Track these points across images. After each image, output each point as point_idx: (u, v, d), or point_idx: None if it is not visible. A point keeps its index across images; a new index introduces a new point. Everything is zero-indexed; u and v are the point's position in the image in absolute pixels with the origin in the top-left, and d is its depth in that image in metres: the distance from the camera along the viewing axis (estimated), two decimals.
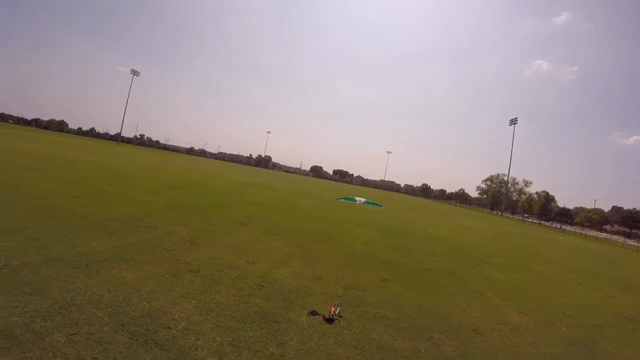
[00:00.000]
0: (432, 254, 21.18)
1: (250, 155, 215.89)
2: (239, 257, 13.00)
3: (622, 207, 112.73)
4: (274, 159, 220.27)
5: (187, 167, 69.53)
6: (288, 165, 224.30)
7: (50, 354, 5.80)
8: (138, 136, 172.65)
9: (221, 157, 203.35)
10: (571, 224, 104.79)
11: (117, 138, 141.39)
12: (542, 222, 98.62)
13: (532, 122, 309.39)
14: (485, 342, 9.42)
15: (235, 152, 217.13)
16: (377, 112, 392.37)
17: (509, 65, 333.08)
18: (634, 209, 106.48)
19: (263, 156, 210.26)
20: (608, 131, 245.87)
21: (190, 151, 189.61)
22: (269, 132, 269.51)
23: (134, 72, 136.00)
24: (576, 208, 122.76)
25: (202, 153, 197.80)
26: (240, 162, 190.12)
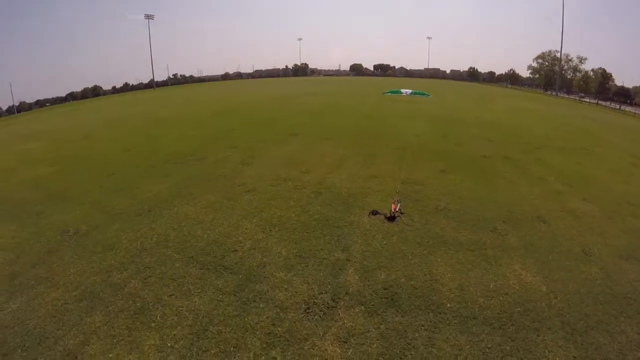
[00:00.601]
0: (487, 139, 20.27)
1: (286, 66, 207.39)
2: (293, 168, 12.91)
3: None
4: (311, 65, 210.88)
5: (226, 92, 64.68)
6: (327, 69, 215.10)
7: (131, 302, 6.12)
8: (171, 76, 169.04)
9: (258, 75, 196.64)
10: (631, 104, 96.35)
11: (152, 84, 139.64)
12: (599, 102, 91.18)
13: None
14: (550, 232, 9.11)
15: (270, 67, 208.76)
16: None
17: None
18: None
19: (299, 65, 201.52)
20: None
21: (225, 77, 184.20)
22: (300, 39, 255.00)
23: (149, 16, 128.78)
24: (635, 87, 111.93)
25: (238, 75, 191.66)
26: (278, 76, 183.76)
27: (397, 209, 8.90)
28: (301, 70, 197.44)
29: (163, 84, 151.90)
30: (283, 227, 8.43)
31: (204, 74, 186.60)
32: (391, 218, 8.62)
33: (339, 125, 22.44)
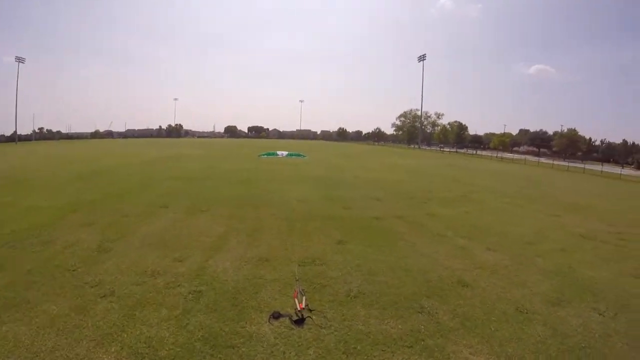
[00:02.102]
0: (373, 199, 20.45)
1: (160, 127, 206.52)
2: (163, 254, 10.41)
3: (529, 130, 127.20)
4: (186, 126, 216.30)
5: (94, 152, 59.87)
6: (202, 130, 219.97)
7: None
8: (37, 130, 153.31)
9: (130, 134, 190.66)
10: (484, 148, 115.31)
11: (14, 138, 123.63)
12: (457, 150, 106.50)
13: (441, 58, 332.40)
14: (477, 296, 8.64)
15: (144, 127, 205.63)
16: (286, 60, 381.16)
17: (417, 4, 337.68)
18: (540, 130, 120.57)
19: (174, 125, 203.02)
20: (512, 62, 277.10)
21: (95, 135, 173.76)
22: (176, 99, 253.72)
23: (19, 59, 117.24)
24: (486, 134, 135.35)
25: (109, 134, 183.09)
26: (151, 136, 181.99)
27: (303, 306, 7.15)
28: (175, 131, 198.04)
29: (26, 138, 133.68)
30: (155, 356, 5.93)
31: (73, 130, 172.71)
32: (299, 321, 6.84)
33: (215, 193, 20.61)
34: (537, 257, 12.06)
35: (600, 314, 8.14)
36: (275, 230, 13.01)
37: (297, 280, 8.25)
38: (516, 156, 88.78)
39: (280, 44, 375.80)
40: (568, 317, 7.83)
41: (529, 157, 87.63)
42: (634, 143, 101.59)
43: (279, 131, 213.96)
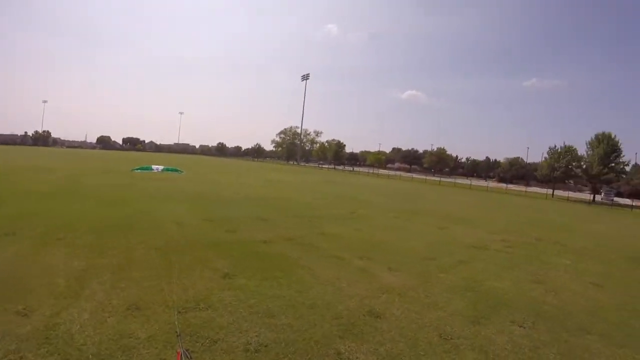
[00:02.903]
0: (259, 219, 18.76)
1: (26, 133, 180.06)
2: (2, 304, 7.36)
3: (401, 148, 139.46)
4: (55, 134, 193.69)
5: None
6: (72, 140, 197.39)
7: None
8: None
9: None
10: (360, 165, 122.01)
11: None
12: (336, 166, 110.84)
13: (323, 79, 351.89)
14: (395, 327, 7.59)
15: (7, 132, 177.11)
16: (165, 70, 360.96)
17: (304, 27, 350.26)
18: (412, 148, 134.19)
19: (41, 132, 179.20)
20: (387, 88, 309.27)
21: None
22: (45, 102, 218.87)
23: None
24: (362, 152, 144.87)
25: None
26: (15, 143, 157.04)
27: None
28: (42, 139, 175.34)
29: None
30: None
31: None
32: None
33: (77, 214, 16.50)
34: (440, 273, 11.88)
35: (520, 326, 8.09)
36: (147, 265, 10.38)
37: (179, 335, 6.22)
38: (391, 172, 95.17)
39: (163, 52, 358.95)
40: (492, 335, 7.57)
41: (402, 173, 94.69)
42: (495, 160, 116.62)
43: (155, 144, 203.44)
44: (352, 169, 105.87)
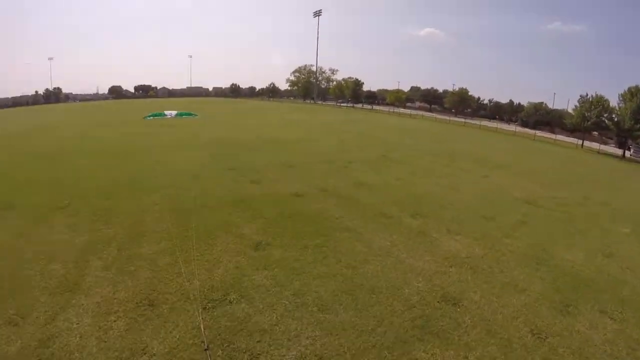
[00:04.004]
0: (285, 165, 17.11)
1: (37, 92, 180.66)
2: None
3: (420, 87, 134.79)
4: (66, 90, 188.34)
5: None
6: (84, 93, 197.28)
7: None
8: None
9: (4, 104, 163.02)
10: (379, 104, 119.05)
11: None
12: (354, 105, 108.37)
13: (336, 15, 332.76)
14: (478, 322, 6.04)
15: (18, 94, 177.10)
16: (174, 12, 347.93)
17: None
18: (431, 87, 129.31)
19: (52, 89, 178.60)
20: (403, 24, 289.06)
21: None
22: (51, 59, 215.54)
23: None
24: (380, 90, 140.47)
25: None
26: (27, 104, 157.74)
27: None
28: (54, 96, 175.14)
29: None
30: None
31: None
32: None
33: (82, 175, 14.79)
34: (504, 237, 10.20)
35: (611, 318, 6.59)
36: (160, 235, 8.66)
37: (207, 349, 4.62)
38: (412, 111, 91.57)
39: None
40: (586, 331, 6.12)
41: (425, 113, 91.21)
42: (519, 103, 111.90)
43: (168, 89, 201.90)
44: (371, 107, 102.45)
